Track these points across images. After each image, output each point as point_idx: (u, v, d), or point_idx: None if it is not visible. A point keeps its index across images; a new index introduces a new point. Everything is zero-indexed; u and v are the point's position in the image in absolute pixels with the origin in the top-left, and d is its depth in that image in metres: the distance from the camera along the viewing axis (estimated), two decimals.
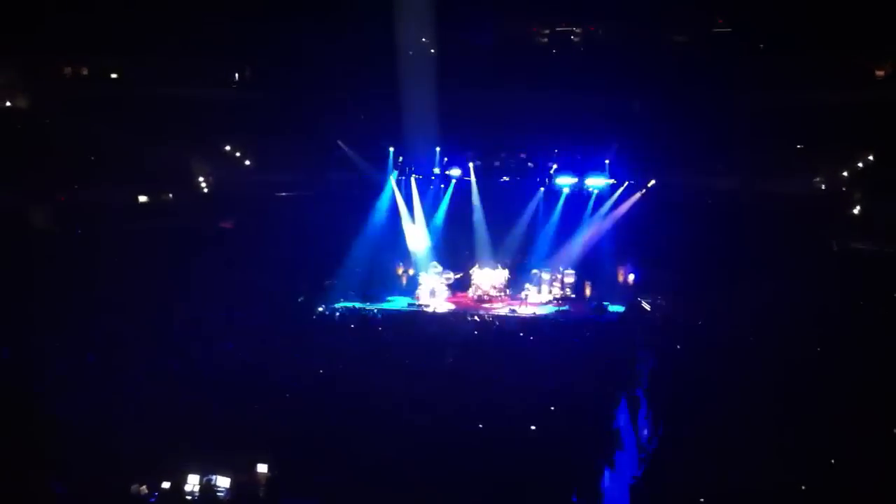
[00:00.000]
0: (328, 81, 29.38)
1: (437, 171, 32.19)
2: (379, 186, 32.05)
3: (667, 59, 28.92)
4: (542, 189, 31.60)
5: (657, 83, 28.17)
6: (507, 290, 30.60)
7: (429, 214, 32.28)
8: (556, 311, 28.68)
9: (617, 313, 27.78)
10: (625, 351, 22.04)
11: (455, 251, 31.67)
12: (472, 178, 31.91)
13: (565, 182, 31.36)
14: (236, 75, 32.80)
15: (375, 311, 27.98)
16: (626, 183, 30.55)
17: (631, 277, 30.33)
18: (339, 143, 31.49)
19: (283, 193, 32.14)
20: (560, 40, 31.07)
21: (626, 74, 28.01)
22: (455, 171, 31.89)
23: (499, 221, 31.59)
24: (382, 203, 31.81)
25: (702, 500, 11.99)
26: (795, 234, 27.24)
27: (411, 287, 31.11)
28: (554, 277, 30.60)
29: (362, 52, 28.53)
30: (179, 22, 27.35)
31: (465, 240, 31.78)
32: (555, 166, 31.37)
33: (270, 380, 17.67)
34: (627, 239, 30.25)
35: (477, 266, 30.85)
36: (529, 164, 31.89)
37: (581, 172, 31.18)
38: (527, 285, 30.08)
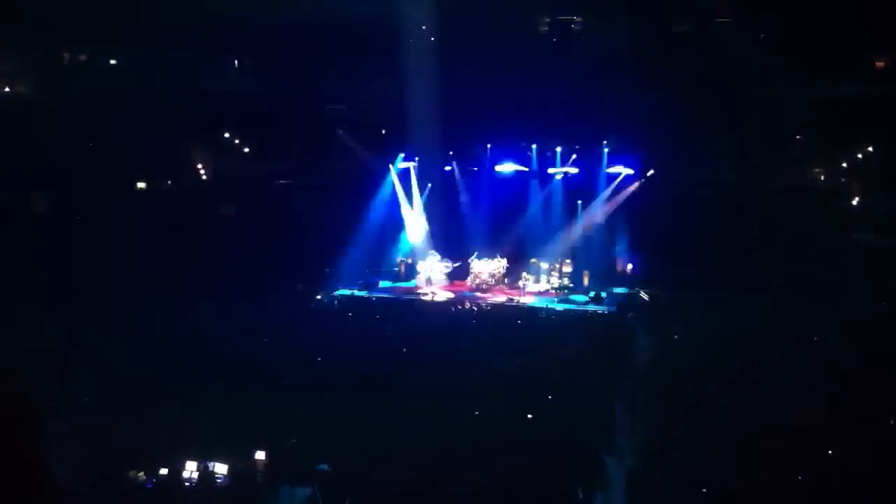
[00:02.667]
0: (328, 70, 29.29)
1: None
2: (378, 175, 32.03)
3: (666, 50, 28.83)
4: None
5: (657, 74, 28.09)
6: (506, 280, 30.60)
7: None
8: (554, 301, 28.67)
9: (614, 304, 27.85)
10: (623, 340, 22.09)
11: (454, 240, 31.61)
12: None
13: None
14: (236, 63, 32.71)
15: (374, 299, 28.07)
16: (623, 175, 30.52)
17: (629, 267, 30.29)
18: (339, 131, 31.44)
19: (282, 182, 32.12)
20: (560, 29, 30.96)
21: (626, 64, 27.94)
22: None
23: (497, 211, 31.59)
24: (382, 192, 31.82)
25: (704, 490, 12.04)
26: (794, 225, 27.23)
27: (409, 276, 31.14)
28: (552, 267, 30.59)
29: (362, 41, 28.43)
30: (179, 10, 27.25)
31: (464, 229, 31.78)
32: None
33: (269, 367, 17.71)
34: (626, 229, 30.25)
35: (475, 255, 30.83)
36: (529, 153, 31.81)
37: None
38: (524, 274, 30.06)
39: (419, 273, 30.61)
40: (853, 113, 26.52)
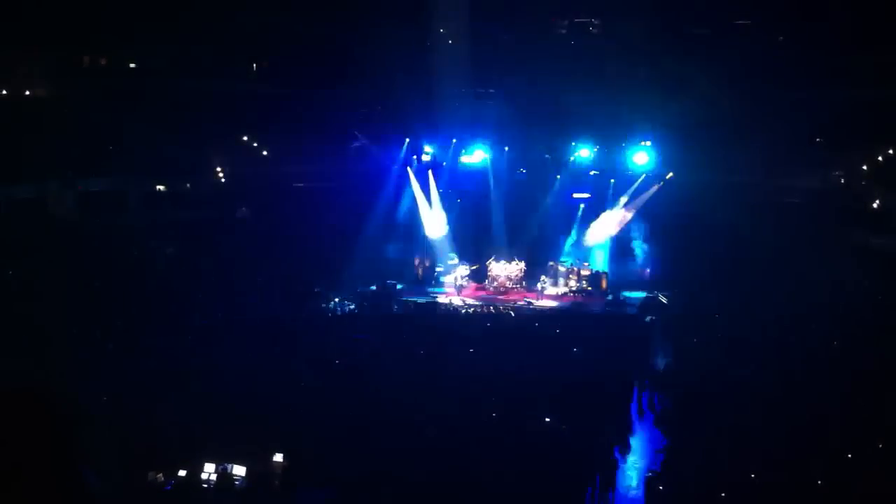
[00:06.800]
0: (346, 72, 29.38)
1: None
2: (396, 176, 32.03)
3: (686, 52, 28.75)
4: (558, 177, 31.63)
5: (676, 76, 28.01)
6: (524, 283, 30.53)
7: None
8: (571, 304, 28.58)
9: (634, 306, 27.77)
10: (641, 344, 22.03)
11: (472, 242, 31.56)
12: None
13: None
14: (254, 66, 32.86)
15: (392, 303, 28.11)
16: (643, 175, 30.41)
17: (647, 271, 30.20)
18: (356, 133, 31.51)
19: (300, 184, 32.18)
20: (579, 31, 30.92)
21: (644, 66, 27.90)
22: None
23: (516, 213, 31.54)
24: (399, 193, 31.81)
25: (723, 494, 11.99)
26: (814, 228, 27.07)
27: (427, 279, 31.13)
28: (570, 270, 30.51)
29: (380, 43, 28.53)
30: (198, 13, 27.41)
31: (483, 231, 31.74)
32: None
33: (286, 369, 17.75)
34: (644, 231, 30.18)
35: (493, 258, 30.79)
36: (546, 155, 31.74)
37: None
38: (543, 277, 29.99)
39: (444, 280, 30.54)
40: (872, 115, 26.34)
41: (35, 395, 2.75)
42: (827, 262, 25.44)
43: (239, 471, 12.42)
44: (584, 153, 30.74)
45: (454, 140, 31.55)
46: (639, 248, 30.56)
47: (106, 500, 3.12)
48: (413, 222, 31.91)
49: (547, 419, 14.98)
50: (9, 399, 2.67)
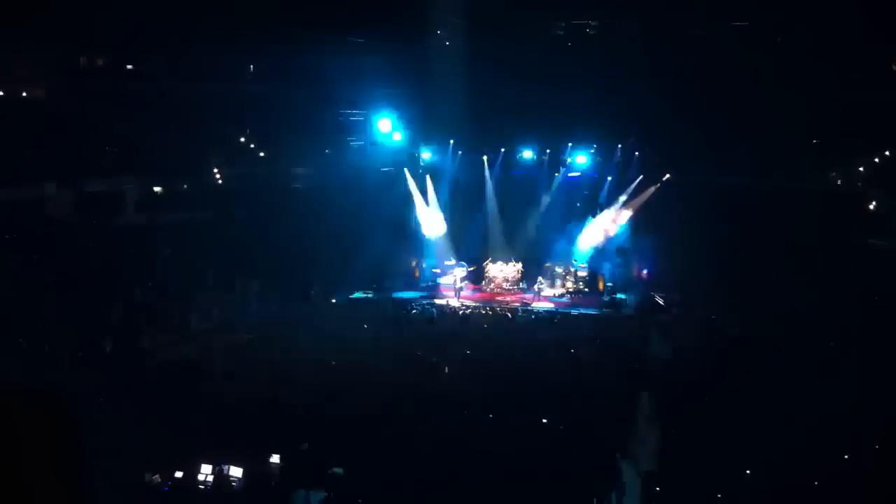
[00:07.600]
0: (343, 73, 29.35)
1: None
2: (394, 177, 32.04)
3: (683, 53, 28.76)
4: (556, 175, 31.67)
5: (673, 77, 28.01)
6: (521, 284, 30.55)
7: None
8: (568, 305, 28.60)
9: (630, 307, 27.80)
10: (639, 344, 22.06)
11: (468, 243, 31.57)
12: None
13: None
14: (251, 67, 32.81)
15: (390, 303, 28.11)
16: (640, 177, 30.46)
17: (644, 272, 30.21)
18: (354, 134, 31.55)
19: (298, 185, 32.19)
20: (576, 33, 30.93)
21: (642, 68, 27.89)
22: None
23: (512, 215, 31.56)
24: (396, 193, 31.82)
25: (719, 496, 12.01)
26: (811, 230, 27.08)
27: (423, 280, 31.14)
28: (567, 271, 30.53)
29: (377, 45, 28.52)
30: (195, 14, 27.36)
31: (479, 232, 31.75)
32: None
33: (283, 370, 17.75)
34: (642, 232, 30.19)
35: (490, 259, 30.80)
36: (543, 157, 31.73)
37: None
38: (540, 279, 30.00)
39: (441, 281, 30.56)
40: (870, 117, 26.37)
41: (35, 395, 2.76)
42: (824, 264, 25.47)
43: (236, 472, 12.42)
44: (581, 160, 30.87)
45: (452, 141, 31.63)
46: (635, 248, 30.55)
47: (105, 500, 3.13)
48: (411, 223, 31.90)
49: (544, 420, 14.98)
50: (9, 399, 2.68)
